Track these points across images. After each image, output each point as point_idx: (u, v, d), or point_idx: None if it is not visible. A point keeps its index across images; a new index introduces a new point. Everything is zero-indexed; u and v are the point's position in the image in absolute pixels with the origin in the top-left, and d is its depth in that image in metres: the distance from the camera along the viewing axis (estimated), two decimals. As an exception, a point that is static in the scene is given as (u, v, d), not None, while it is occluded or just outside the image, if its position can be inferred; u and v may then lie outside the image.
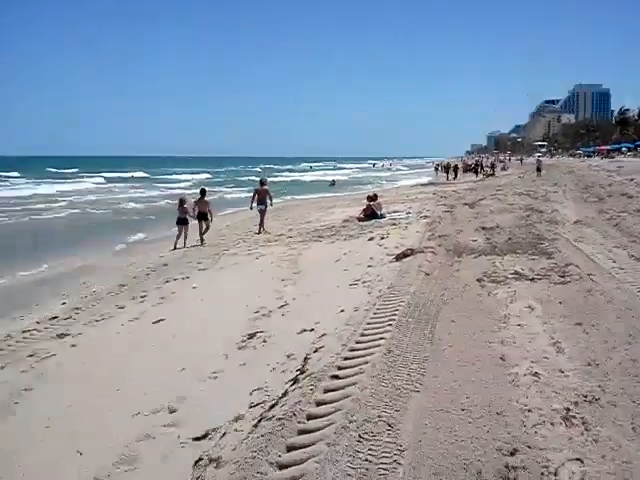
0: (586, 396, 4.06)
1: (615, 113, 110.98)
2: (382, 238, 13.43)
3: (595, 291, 6.77)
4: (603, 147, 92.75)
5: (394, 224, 16.26)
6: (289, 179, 73.70)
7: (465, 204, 20.27)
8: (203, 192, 17.15)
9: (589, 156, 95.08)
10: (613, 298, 6.48)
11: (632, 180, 29.46)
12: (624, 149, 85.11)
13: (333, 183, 56.53)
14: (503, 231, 12.21)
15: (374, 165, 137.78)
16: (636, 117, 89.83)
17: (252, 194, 18.56)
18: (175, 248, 15.91)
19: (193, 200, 17.10)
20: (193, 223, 16.71)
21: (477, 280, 7.60)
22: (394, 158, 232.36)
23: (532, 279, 7.57)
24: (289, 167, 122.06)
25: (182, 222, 16.28)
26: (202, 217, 16.62)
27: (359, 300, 7.42)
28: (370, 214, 18.71)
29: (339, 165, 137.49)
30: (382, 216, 18.65)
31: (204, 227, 16.76)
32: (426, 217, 16.95)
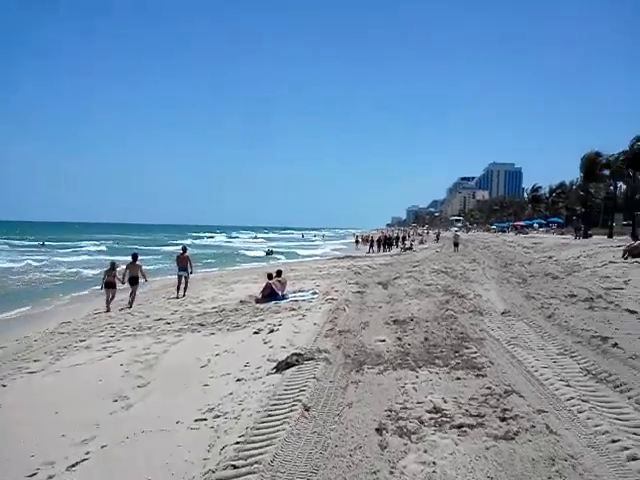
0: None
1: (526, 191, 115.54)
2: (271, 331, 10.68)
3: (560, 459, 4.21)
4: (517, 223, 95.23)
5: (293, 309, 13.59)
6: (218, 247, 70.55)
7: (379, 283, 17.98)
8: (135, 256, 17.64)
9: (503, 231, 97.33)
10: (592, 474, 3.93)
11: (550, 258, 28.53)
12: (536, 225, 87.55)
13: (270, 252, 53.57)
14: (418, 326, 9.77)
15: (303, 236, 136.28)
16: (547, 195, 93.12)
17: (176, 261, 19.16)
18: (108, 310, 15.86)
19: (124, 265, 17.61)
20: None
21: (377, 430, 4.88)
22: (318, 229, 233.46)
23: (459, 427, 4.93)
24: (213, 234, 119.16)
25: (110, 286, 16.45)
26: (134, 281, 16.89)
27: (182, 464, 4.55)
28: (269, 294, 15.98)
29: (262, 235, 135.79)
30: (283, 297, 15.97)
31: (133, 291, 16.92)
32: (332, 300, 14.38)
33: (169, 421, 6.03)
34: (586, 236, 49.34)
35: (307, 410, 5.43)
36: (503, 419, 5.06)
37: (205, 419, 5.91)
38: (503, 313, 11.18)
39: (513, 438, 4.65)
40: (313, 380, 6.54)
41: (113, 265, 16.98)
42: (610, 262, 21.43)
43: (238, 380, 7.39)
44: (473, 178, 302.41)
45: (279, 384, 6.72)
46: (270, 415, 5.47)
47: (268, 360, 8.26)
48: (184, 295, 18.03)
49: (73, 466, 5.04)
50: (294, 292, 17.17)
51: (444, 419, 5.08)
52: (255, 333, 10.75)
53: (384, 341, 8.67)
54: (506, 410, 5.28)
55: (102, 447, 5.44)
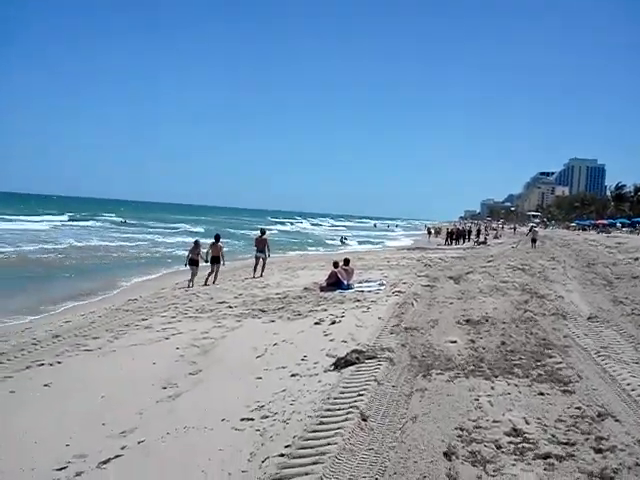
0: None
1: (609, 189, 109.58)
2: (333, 322, 10.07)
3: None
4: (599, 221, 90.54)
5: (358, 300, 12.92)
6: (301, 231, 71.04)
7: (450, 277, 17.00)
8: (217, 237, 18.28)
9: (584, 229, 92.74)
10: None
11: (637, 259, 26.51)
12: (619, 224, 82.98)
13: (344, 240, 53.22)
14: (494, 328, 8.88)
15: (375, 225, 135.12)
16: (632, 194, 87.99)
17: (254, 243, 19.87)
18: (190, 286, 16.54)
19: (208, 244, 18.07)
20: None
21: (445, 455, 4.14)
22: (393, 219, 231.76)
23: (545, 457, 4.11)
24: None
25: (194, 263, 17.10)
26: (215, 260, 17.56)
27: (219, 473, 4.00)
28: (334, 283, 15.37)
29: (334, 222, 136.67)
30: (349, 286, 15.32)
31: (216, 269, 17.56)
32: (399, 292, 13.60)
33: (214, 417, 5.53)
34: (676, 238, 45.94)
35: (364, 420, 4.77)
36: (598, 450, 4.21)
37: (252, 419, 5.36)
38: (589, 318, 10.09)
39: (612, 477, 3.81)
40: (374, 383, 5.87)
41: (197, 243, 17.63)
42: None
43: (293, 375, 6.82)
44: (553, 173, 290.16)
45: (336, 384, 6.08)
46: (322, 423, 4.84)
47: (327, 355, 7.65)
48: (261, 275, 18.70)
49: (105, 463, 4.59)
50: (360, 282, 16.50)
51: (526, 445, 4.28)
52: (316, 324, 10.17)
53: (455, 342, 7.86)
54: (601, 439, 4.42)
55: (139, 442, 4.99)
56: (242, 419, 5.37)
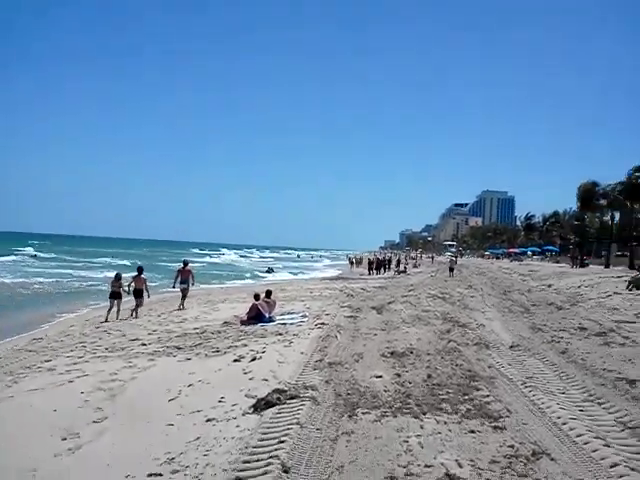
0: None
1: (519, 219, 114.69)
2: (253, 359, 9.52)
3: None
4: (512, 249, 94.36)
5: (280, 333, 12.44)
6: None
7: (373, 308, 16.85)
8: (140, 270, 17.95)
9: (497, 257, 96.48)
10: None
11: (550, 286, 27.59)
12: (529, 252, 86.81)
13: (270, 270, 52.89)
14: (419, 360, 8.64)
15: (299, 256, 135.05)
16: (540, 223, 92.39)
17: (175, 274, 19.59)
18: (106, 320, 16.02)
19: (130, 277, 17.77)
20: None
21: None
22: (317, 249, 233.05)
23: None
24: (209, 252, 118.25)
25: (116, 296, 16.68)
26: (138, 294, 17.18)
27: None
28: (255, 316, 14.82)
29: (260, 253, 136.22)
30: (271, 319, 14.81)
31: (139, 302, 17.19)
32: (322, 325, 13.23)
33: (118, 473, 4.88)
34: (583, 265, 48.47)
35: (286, 472, 4.29)
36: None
37: (160, 474, 4.75)
38: (512, 347, 10.08)
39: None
40: (296, 427, 5.40)
41: (118, 276, 17.39)
42: (615, 293, 20.47)
43: (208, 420, 6.22)
44: (466, 204, 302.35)
45: (255, 429, 5.57)
46: (238, 478, 4.31)
47: (246, 396, 7.10)
48: (182, 307, 18.67)
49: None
50: (282, 314, 16.05)
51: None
52: (235, 361, 9.58)
53: (381, 377, 7.53)
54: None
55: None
56: (149, 475, 4.75)
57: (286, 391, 6.76)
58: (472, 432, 5.26)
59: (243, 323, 14.54)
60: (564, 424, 5.53)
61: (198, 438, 5.60)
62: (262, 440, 5.12)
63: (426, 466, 4.38)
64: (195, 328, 14.09)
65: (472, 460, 4.53)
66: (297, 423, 5.49)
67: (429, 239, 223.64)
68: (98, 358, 10.73)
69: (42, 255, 67.32)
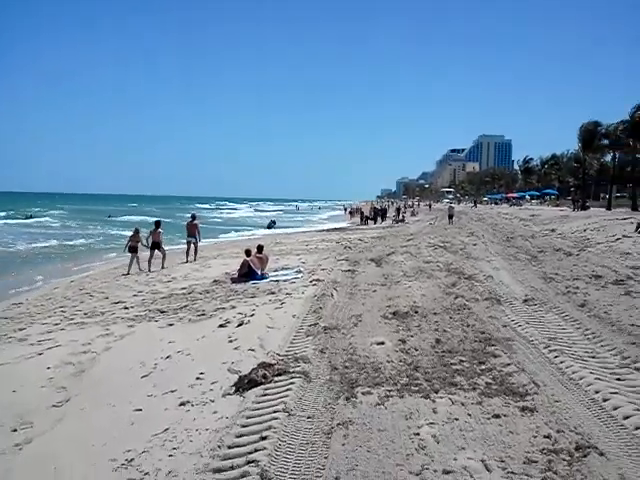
0: None
1: (516, 163, 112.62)
2: (240, 324, 8.57)
3: None
4: (510, 194, 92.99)
5: (272, 292, 11.49)
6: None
7: (371, 260, 15.87)
8: (157, 224, 18.27)
9: (496, 203, 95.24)
10: None
11: (553, 231, 26.61)
12: (527, 197, 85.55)
13: (273, 224, 50.90)
14: (425, 321, 7.67)
15: (297, 207, 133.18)
16: (539, 166, 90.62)
17: (185, 228, 20.08)
18: (128, 273, 16.60)
19: (148, 231, 18.20)
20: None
21: None
22: (314, 200, 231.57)
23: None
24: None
25: (133, 250, 17.23)
26: (155, 246, 17.69)
27: None
28: (246, 273, 13.85)
29: (258, 207, 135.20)
30: (263, 276, 13.85)
31: (160, 255, 17.77)
32: (318, 281, 12.27)
33: (63, 483, 3.96)
34: (584, 208, 47.39)
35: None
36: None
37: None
38: (526, 301, 9.12)
39: None
40: (282, 415, 4.44)
41: (136, 231, 17.99)
42: (624, 236, 19.48)
43: (182, 405, 5.29)
44: (463, 150, 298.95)
45: (234, 418, 4.62)
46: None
47: (229, 370, 6.18)
48: (194, 259, 19.05)
49: None
50: (276, 270, 15.10)
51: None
52: (221, 326, 8.65)
53: (383, 344, 6.57)
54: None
55: None
56: (97, 486, 3.83)
57: (273, 365, 5.82)
58: (496, 417, 4.31)
59: (234, 281, 13.62)
60: (605, 401, 4.58)
61: (166, 430, 4.68)
62: (240, 436, 4.16)
63: (445, 472, 3.42)
64: (183, 288, 13.20)
65: (502, 460, 3.57)
66: (284, 410, 4.54)
67: (426, 186, 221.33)
68: (75, 325, 9.94)
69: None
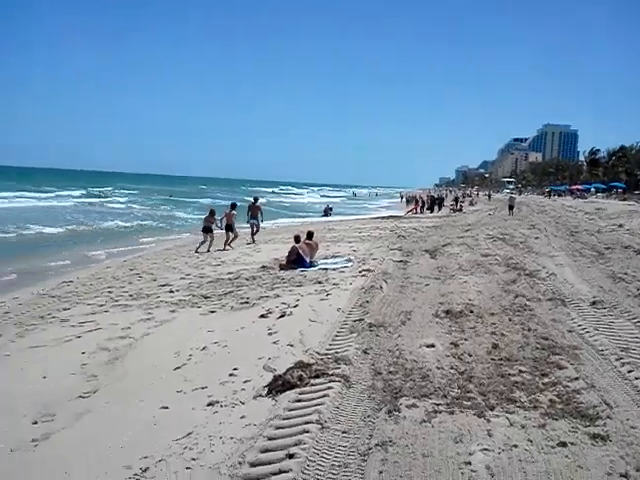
0: None
1: (581, 154, 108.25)
2: (282, 316, 8.16)
3: None
4: (575, 186, 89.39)
5: (319, 281, 11.05)
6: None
7: (425, 251, 15.20)
8: (233, 205, 19.21)
9: (559, 195, 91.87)
10: None
11: (621, 226, 25.06)
12: (592, 189, 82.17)
13: (330, 210, 49.78)
14: (481, 322, 7.02)
15: (354, 194, 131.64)
16: (605, 158, 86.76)
17: (247, 210, 20.37)
18: (197, 252, 17.01)
19: (223, 212, 18.83)
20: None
21: None
22: (373, 187, 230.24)
23: None
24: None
25: (207, 230, 17.80)
26: (229, 228, 18.33)
27: None
28: (295, 260, 13.46)
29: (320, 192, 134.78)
30: (312, 264, 13.44)
31: (231, 237, 18.38)
32: (367, 272, 11.72)
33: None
34: (654, 203, 44.86)
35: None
36: None
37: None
38: (594, 303, 8.31)
39: None
40: (315, 427, 3.96)
41: (212, 212, 18.35)
42: None
43: (210, 404, 4.89)
44: (526, 139, 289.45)
45: (261, 427, 4.17)
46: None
47: (264, 368, 5.75)
48: (253, 241, 19.54)
49: None
50: (326, 257, 14.66)
51: None
52: (262, 316, 8.26)
53: (433, 347, 5.99)
54: None
55: None
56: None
57: (311, 365, 5.34)
58: (562, 445, 3.68)
59: (282, 268, 13.29)
60: (694, 433, 3.88)
61: (189, 434, 4.28)
62: (265, 451, 3.70)
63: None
64: (229, 273, 12.95)
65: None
66: (317, 421, 4.05)
67: (486, 175, 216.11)
68: (119, 307, 9.82)
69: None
